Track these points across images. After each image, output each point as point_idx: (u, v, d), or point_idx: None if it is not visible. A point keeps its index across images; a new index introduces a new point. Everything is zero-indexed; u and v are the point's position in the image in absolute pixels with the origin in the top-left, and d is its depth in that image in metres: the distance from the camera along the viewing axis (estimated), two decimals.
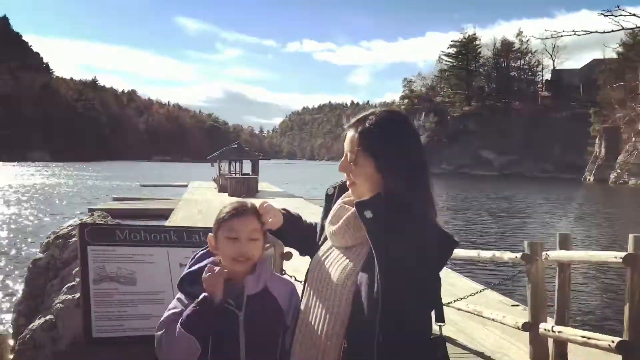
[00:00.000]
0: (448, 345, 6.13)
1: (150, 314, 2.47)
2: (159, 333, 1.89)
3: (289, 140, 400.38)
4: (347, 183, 1.90)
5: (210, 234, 1.97)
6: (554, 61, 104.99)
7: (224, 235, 1.93)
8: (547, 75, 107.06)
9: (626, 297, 3.87)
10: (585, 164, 75.52)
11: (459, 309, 5.75)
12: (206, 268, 1.88)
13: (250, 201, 2.04)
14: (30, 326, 2.68)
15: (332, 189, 2.04)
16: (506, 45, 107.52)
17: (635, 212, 32.95)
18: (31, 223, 21.63)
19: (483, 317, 5.34)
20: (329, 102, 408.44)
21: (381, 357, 1.68)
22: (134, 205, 25.92)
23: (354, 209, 1.81)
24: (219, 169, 37.43)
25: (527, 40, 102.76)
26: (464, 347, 5.77)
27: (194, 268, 1.96)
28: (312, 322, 1.84)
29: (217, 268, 1.88)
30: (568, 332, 4.34)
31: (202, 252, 2.03)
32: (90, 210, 23.41)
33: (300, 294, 2.01)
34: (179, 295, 1.96)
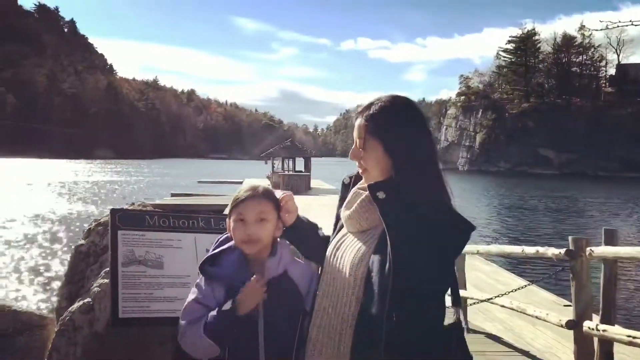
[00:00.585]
0: (495, 343, 5.99)
1: (176, 297, 2.56)
2: (183, 323, 1.93)
3: (342, 138, 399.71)
4: (360, 171, 1.92)
5: (227, 220, 2.01)
6: (618, 55, 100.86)
7: (233, 217, 1.97)
8: (611, 71, 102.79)
9: None
10: None
11: (503, 306, 5.63)
12: (250, 281, 1.90)
13: (285, 192, 2.05)
14: (70, 308, 2.83)
15: (349, 178, 2.06)
16: (567, 40, 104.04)
17: None
18: (87, 216, 22.50)
19: (527, 314, 5.21)
20: None
21: (390, 335, 1.68)
22: (190, 200, 26.41)
23: (367, 192, 1.84)
24: (273, 167, 37.85)
25: (590, 34, 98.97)
26: (510, 346, 5.66)
27: (215, 251, 2.01)
28: (329, 306, 1.85)
29: (257, 281, 1.90)
30: (613, 331, 4.18)
31: (226, 236, 2.07)
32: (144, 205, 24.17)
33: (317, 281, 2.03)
34: (199, 280, 2.00)
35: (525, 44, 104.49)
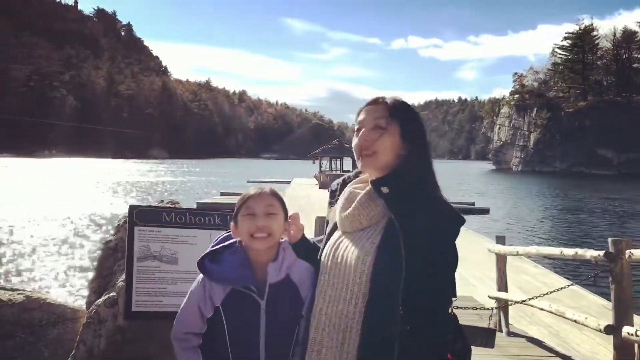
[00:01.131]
0: (535, 347, 5.80)
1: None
2: (176, 346, 1.99)
3: None
4: (364, 155, 1.89)
5: (232, 222, 2.00)
6: None
7: (241, 214, 1.97)
8: None
9: None
10: None
11: (542, 309, 5.47)
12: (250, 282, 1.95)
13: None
14: (96, 302, 2.93)
15: (336, 184, 2.08)
16: (628, 35, 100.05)
17: None
18: None
19: (565, 317, 5.05)
20: (435, 98, 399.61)
21: (405, 324, 1.69)
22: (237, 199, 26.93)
23: (367, 188, 1.86)
24: (320, 166, 37.99)
25: None
26: (551, 350, 5.49)
27: (217, 247, 2.03)
28: (329, 306, 1.84)
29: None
30: None
31: (226, 234, 2.07)
32: (198, 203, 24.80)
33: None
34: (196, 285, 2.01)
35: (583, 40, 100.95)
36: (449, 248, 1.80)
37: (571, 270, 12.19)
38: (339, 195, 2.01)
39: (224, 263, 1.96)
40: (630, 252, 4.17)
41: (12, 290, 3.59)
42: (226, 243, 2.02)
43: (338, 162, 39.09)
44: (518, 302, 5.78)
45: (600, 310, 7.33)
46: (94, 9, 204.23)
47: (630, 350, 4.30)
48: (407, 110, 1.92)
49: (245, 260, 1.96)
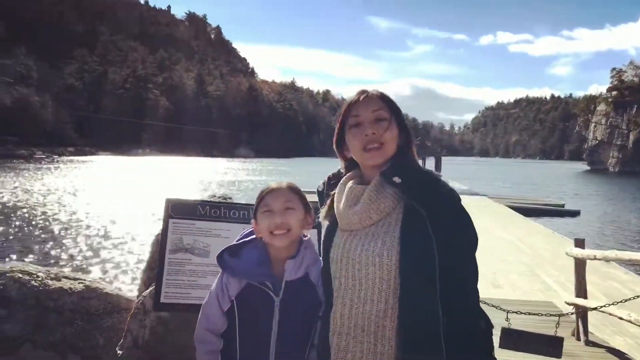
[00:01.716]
0: (615, 359, 5.42)
1: None
2: (197, 348, 1.99)
3: (481, 137, 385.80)
4: (371, 148, 1.86)
5: (253, 219, 1.99)
6: None
7: (260, 211, 1.95)
8: None
9: None
10: None
11: (621, 318, 5.09)
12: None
13: None
14: (143, 293, 3.01)
15: (322, 184, 2.06)
16: None
17: None
18: None
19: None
20: (526, 96, 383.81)
21: (447, 313, 1.66)
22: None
23: (374, 181, 1.84)
24: None
25: None
26: None
27: (237, 242, 2.01)
28: (355, 309, 1.77)
29: None
30: None
31: (250, 230, 2.06)
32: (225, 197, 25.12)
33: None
34: (217, 283, 2.01)
35: None
36: (470, 225, 1.79)
37: None
38: (326, 197, 1.99)
39: (242, 257, 1.95)
40: None
41: (74, 279, 3.75)
42: (247, 238, 2.00)
43: (420, 162, 38.45)
44: (590, 309, 5.41)
45: None
46: (186, 13, 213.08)
47: None
48: (393, 101, 1.94)
49: (264, 256, 1.94)
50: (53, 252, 14.17)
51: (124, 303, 3.62)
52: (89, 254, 14.00)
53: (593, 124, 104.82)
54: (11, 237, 16.50)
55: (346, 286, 1.80)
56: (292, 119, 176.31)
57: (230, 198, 3.56)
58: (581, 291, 5.98)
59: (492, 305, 4.30)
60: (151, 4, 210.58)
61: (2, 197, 27.86)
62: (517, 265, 10.87)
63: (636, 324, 4.79)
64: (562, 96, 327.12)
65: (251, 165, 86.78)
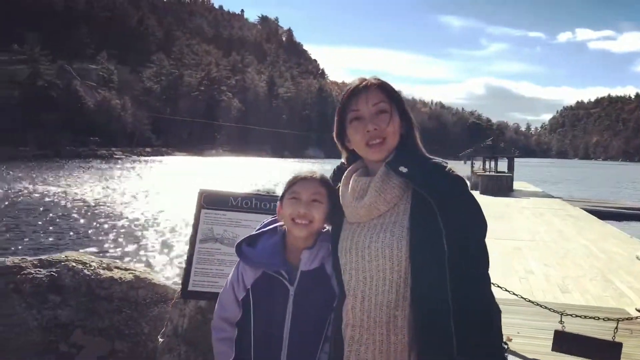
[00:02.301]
0: None
1: None
2: (214, 335, 2.01)
3: (559, 137, 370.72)
4: (374, 144, 1.82)
5: (279, 202, 1.99)
6: None
7: (287, 197, 1.94)
8: None
9: None
10: None
11: None
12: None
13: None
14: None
15: (329, 177, 2.06)
16: None
17: None
18: None
19: None
20: (608, 95, 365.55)
21: (457, 301, 1.65)
22: None
23: (380, 172, 1.81)
24: (472, 167, 36.69)
25: None
26: None
27: (256, 232, 2.01)
28: (367, 301, 1.76)
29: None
30: None
31: (272, 219, 2.05)
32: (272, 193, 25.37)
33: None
34: (233, 271, 2.01)
35: None
36: (479, 212, 1.78)
37: None
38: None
39: (258, 247, 1.94)
40: None
41: (125, 269, 3.88)
42: (266, 228, 2.00)
43: (492, 163, 37.38)
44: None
45: None
46: (258, 17, 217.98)
47: None
48: (394, 88, 1.89)
49: (280, 244, 1.93)
50: (115, 244, 15.08)
51: (170, 293, 3.72)
52: (148, 246, 14.82)
53: None
54: (82, 229, 17.64)
55: (357, 279, 1.78)
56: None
57: (274, 192, 3.58)
58: None
59: (545, 307, 4.11)
60: (225, 8, 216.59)
61: (82, 193, 29.46)
62: (589, 270, 10.35)
63: None
64: None
65: (320, 166, 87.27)
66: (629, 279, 9.48)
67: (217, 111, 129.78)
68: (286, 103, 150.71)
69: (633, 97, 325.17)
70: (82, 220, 19.57)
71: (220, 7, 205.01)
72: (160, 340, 3.01)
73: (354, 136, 1.85)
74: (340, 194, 1.90)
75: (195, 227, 2.69)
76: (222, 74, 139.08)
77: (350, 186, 1.86)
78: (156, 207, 23.20)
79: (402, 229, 1.73)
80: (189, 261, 2.67)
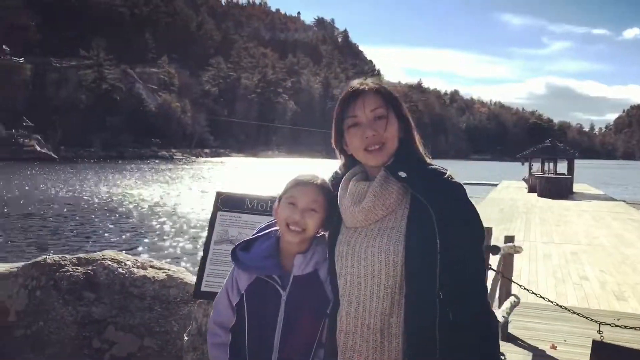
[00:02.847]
0: None
1: None
2: (208, 340, 2.01)
3: (625, 138, 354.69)
4: (372, 150, 1.79)
5: (276, 202, 1.98)
6: None
7: (285, 200, 1.93)
8: None
9: None
10: None
11: None
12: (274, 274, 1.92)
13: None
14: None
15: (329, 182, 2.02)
16: None
17: None
18: None
19: None
20: None
21: (446, 307, 1.62)
22: None
23: (379, 177, 1.78)
24: (530, 168, 35.64)
25: None
26: None
27: (251, 237, 2.01)
28: (362, 307, 1.74)
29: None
30: None
31: (268, 223, 2.04)
32: None
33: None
34: (228, 276, 2.01)
35: None
36: (476, 219, 1.74)
37: None
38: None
39: (252, 251, 1.94)
40: None
41: (159, 268, 3.99)
42: (261, 233, 2.00)
43: (551, 164, 36.19)
44: None
45: None
46: (315, 19, 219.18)
47: None
48: (391, 91, 1.86)
49: (273, 249, 1.93)
50: (162, 243, 15.65)
51: None
52: (190, 246, 15.23)
53: None
54: (131, 228, 18.25)
55: (352, 284, 1.76)
56: (418, 120, 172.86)
57: None
58: None
59: (582, 315, 3.94)
60: (282, 11, 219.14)
61: (141, 194, 30.44)
62: None
63: None
64: None
65: None
66: None
67: (272, 113, 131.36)
68: None
69: None
70: (138, 220, 20.27)
71: (277, 10, 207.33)
72: (186, 338, 3.08)
73: (352, 142, 1.83)
74: (338, 198, 1.88)
75: (211, 228, 2.74)
76: (278, 76, 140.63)
77: (348, 190, 1.84)
78: (209, 207, 23.85)
79: (399, 235, 1.71)
80: (203, 262, 2.71)
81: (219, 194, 2.84)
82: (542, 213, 20.07)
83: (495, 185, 39.43)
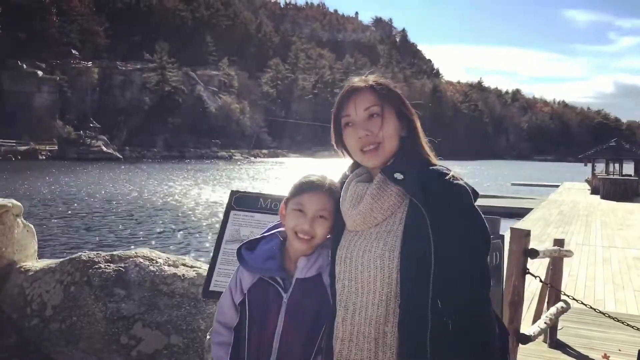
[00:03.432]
0: None
1: None
2: (211, 339, 2.00)
3: None
4: (367, 151, 1.72)
5: (282, 203, 1.93)
6: None
7: (291, 206, 1.87)
8: None
9: None
10: None
11: None
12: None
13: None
14: None
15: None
16: None
17: None
18: None
19: None
20: None
21: (442, 317, 1.53)
22: (493, 202, 26.05)
23: (377, 179, 1.71)
24: (593, 169, 34.25)
25: None
26: None
27: (256, 237, 1.97)
28: (358, 314, 1.68)
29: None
30: None
31: (277, 222, 2.00)
32: None
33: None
34: (233, 276, 1.98)
35: None
36: (475, 226, 1.61)
37: None
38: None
39: (256, 251, 1.91)
40: None
41: (191, 267, 4.03)
42: (267, 233, 1.96)
43: (616, 165, 34.64)
44: None
45: None
46: (372, 19, 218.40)
47: None
48: (390, 87, 1.76)
49: (276, 250, 1.89)
50: (206, 244, 15.79)
51: None
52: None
53: None
54: (184, 228, 18.74)
55: (349, 289, 1.70)
56: (477, 120, 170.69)
57: None
58: None
59: (629, 325, 3.71)
60: (340, 12, 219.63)
61: (200, 194, 31.16)
62: None
63: None
64: None
65: None
66: None
67: (329, 114, 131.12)
68: None
69: None
70: (196, 219, 20.77)
71: (335, 10, 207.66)
72: (208, 337, 3.08)
73: (348, 142, 1.77)
74: (340, 200, 1.82)
75: (223, 227, 2.72)
76: (335, 77, 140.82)
77: (348, 192, 1.78)
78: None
79: (396, 239, 1.64)
80: (213, 261, 2.70)
81: (233, 193, 2.83)
82: (604, 216, 19.26)
83: (557, 186, 38.20)
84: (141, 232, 17.74)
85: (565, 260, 8.96)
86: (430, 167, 1.68)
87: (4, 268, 4.33)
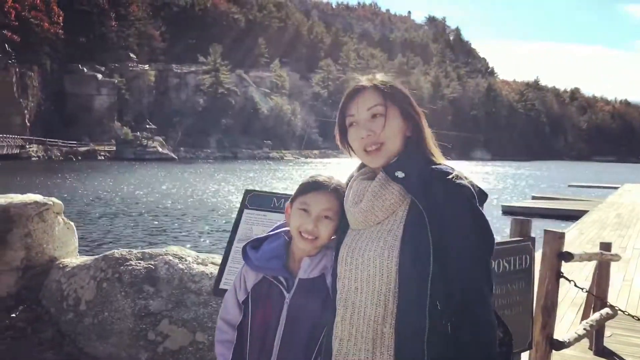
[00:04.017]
0: None
1: None
2: (215, 337, 2.00)
3: None
4: (370, 151, 1.71)
5: (288, 202, 1.93)
6: None
7: (296, 205, 1.87)
8: None
9: None
10: None
11: None
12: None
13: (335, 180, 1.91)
14: None
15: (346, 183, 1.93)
16: None
17: None
18: None
19: None
20: None
21: (441, 319, 1.53)
22: (548, 204, 25.35)
23: (379, 177, 1.71)
24: None
25: None
26: None
27: (261, 235, 1.97)
28: (357, 313, 1.66)
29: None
30: None
31: (284, 222, 2.00)
32: (503, 207, 24.07)
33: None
34: (237, 274, 1.98)
35: None
36: (477, 226, 1.59)
37: None
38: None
39: (261, 250, 1.91)
40: None
41: (219, 265, 4.07)
42: (272, 233, 1.96)
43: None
44: None
45: None
46: (425, 18, 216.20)
47: None
48: (396, 87, 1.76)
49: (280, 250, 1.90)
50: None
51: None
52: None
53: None
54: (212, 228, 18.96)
55: (349, 288, 1.69)
56: (534, 120, 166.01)
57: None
58: None
59: None
60: (392, 11, 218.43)
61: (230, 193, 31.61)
62: None
63: None
64: None
65: (485, 168, 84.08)
66: None
67: None
68: (452, 103, 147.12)
69: None
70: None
71: (387, 10, 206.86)
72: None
73: (352, 142, 1.78)
74: (344, 198, 1.81)
75: (236, 226, 2.73)
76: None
77: (351, 190, 1.78)
78: None
79: (395, 238, 1.63)
80: (224, 259, 2.71)
81: (247, 192, 2.83)
82: None
83: (616, 188, 36.76)
84: (182, 232, 18.18)
85: (620, 265, 8.60)
86: (433, 166, 1.66)
87: (45, 264, 4.50)
